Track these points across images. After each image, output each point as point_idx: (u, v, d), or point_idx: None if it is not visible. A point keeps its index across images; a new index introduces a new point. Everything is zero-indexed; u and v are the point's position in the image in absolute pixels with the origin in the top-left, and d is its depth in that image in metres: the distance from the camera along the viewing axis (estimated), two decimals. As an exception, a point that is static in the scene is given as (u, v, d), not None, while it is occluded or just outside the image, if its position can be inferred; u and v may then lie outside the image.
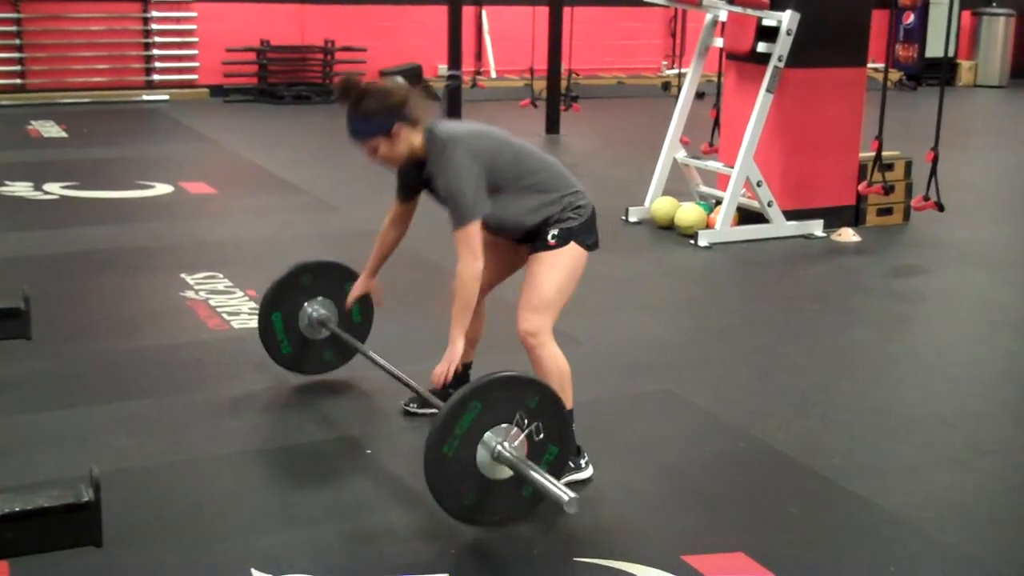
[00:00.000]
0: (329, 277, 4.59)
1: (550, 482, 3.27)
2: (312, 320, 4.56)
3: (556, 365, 3.79)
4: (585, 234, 3.83)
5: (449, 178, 3.64)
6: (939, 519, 3.65)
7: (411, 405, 4.35)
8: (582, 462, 3.85)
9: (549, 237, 3.78)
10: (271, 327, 4.54)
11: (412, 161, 3.79)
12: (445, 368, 3.66)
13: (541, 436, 3.42)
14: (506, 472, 3.38)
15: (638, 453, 4.10)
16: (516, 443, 3.37)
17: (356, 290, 4.30)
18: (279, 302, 4.54)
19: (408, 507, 3.67)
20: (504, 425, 3.36)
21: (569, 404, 3.71)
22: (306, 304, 4.56)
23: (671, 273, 6.71)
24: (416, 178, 3.88)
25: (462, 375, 4.21)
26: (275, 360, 4.62)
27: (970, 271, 6.83)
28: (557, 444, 3.47)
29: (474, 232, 3.62)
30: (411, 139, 3.72)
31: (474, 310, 4.06)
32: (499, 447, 3.35)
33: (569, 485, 3.48)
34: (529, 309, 3.77)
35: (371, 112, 3.67)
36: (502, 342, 4.24)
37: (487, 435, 3.35)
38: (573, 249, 3.80)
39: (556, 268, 3.78)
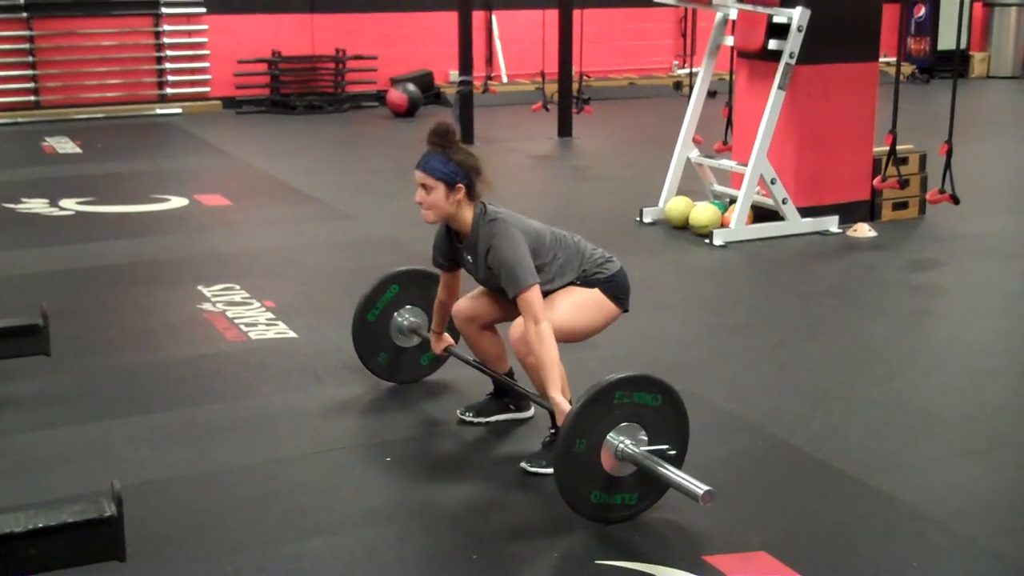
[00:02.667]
0: (416, 285, 4.65)
1: (678, 476, 3.40)
2: (403, 328, 4.63)
3: (548, 358, 3.83)
4: (608, 286, 4.00)
5: (505, 249, 3.81)
6: (961, 512, 3.64)
7: (467, 415, 4.36)
8: None
9: (575, 281, 3.99)
10: (367, 339, 4.62)
11: (449, 230, 4.02)
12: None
13: (662, 433, 3.54)
14: (630, 468, 3.48)
15: (658, 454, 4.09)
16: (640, 441, 3.49)
17: (436, 348, 4.47)
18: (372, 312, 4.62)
19: (427, 515, 3.68)
20: (625, 424, 3.47)
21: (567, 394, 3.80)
22: (395, 314, 4.63)
23: (687, 273, 6.70)
24: (448, 247, 4.09)
25: (512, 389, 4.27)
26: (371, 371, 4.68)
27: (987, 263, 6.80)
28: (657, 391, 3.55)
29: (534, 296, 3.76)
30: (462, 207, 3.89)
31: (484, 337, 4.14)
32: (622, 446, 3.45)
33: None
34: (522, 319, 3.85)
35: (452, 160, 3.86)
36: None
37: (611, 434, 3.45)
38: (596, 293, 3.99)
39: (573, 301, 3.97)
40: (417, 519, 3.64)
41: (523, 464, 3.93)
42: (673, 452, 3.54)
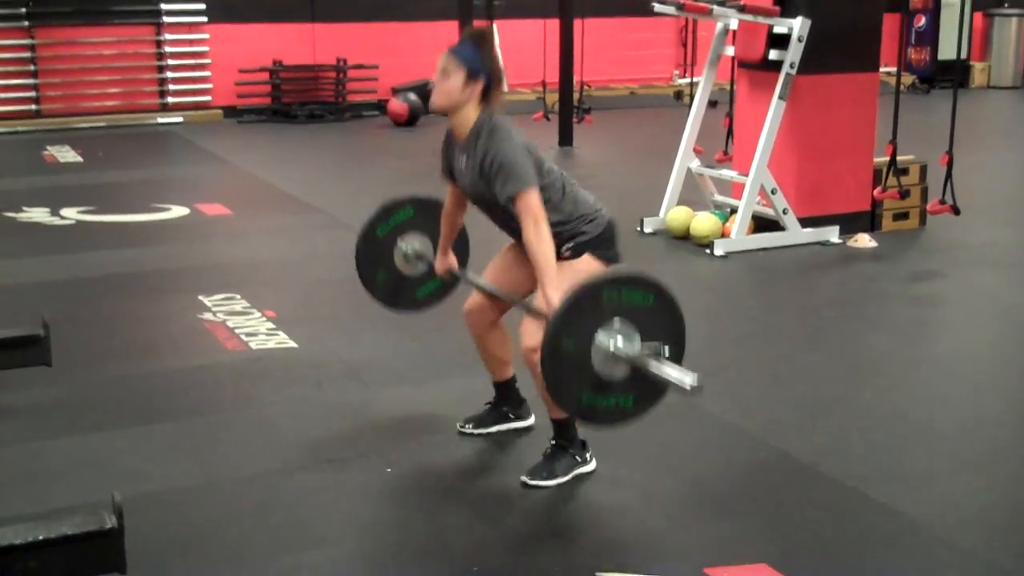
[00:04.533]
0: (432, 215, 4.48)
1: (668, 367, 3.32)
2: (407, 253, 4.49)
3: None
4: (601, 246, 3.87)
5: (505, 151, 3.71)
6: (960, 525, 3.64)
7: (467, 426, 4.34)
8: (587, 455, 3.94)
9: (563, 250, 3.82)
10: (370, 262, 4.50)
11: (451, 132, 3.91)
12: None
13: (655, 333, 3.44)
14: (623, 369, 3.40)
15: (658, 464, 4.09)
16: (625, 334, 3.39)
17: (439, 269, 4.31)
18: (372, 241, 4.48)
19: (428, 526, 3.67)
20: (616, 323, 3.38)
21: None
22: (401, 238, 4.48)
23: (687, 283, 6.69)
24: (450, 153, 3.97)
25: (512, 390, 4.27)
26: (383, 303, 4.57)
27: (988, 274, 6.80)
28: (647, 290, 3.48)
29: (533, 197, 3.67)
30: (472, 105, 3.81)
31: (493, 336, 4.11)
32: (614, 344, 3.36)
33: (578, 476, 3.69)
34: (537, 324, 3.75)
35: (482, 55, 3.80)
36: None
37: (598, 338, 3.36)
38: (586, 261, 3.83)
39: (566, 281, 3.78)
40: (417, 532, 3.64)
41: (523, 478, 3.91)
42: (666, 348, 3.44)
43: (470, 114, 3.82)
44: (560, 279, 3.64)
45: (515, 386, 4.31)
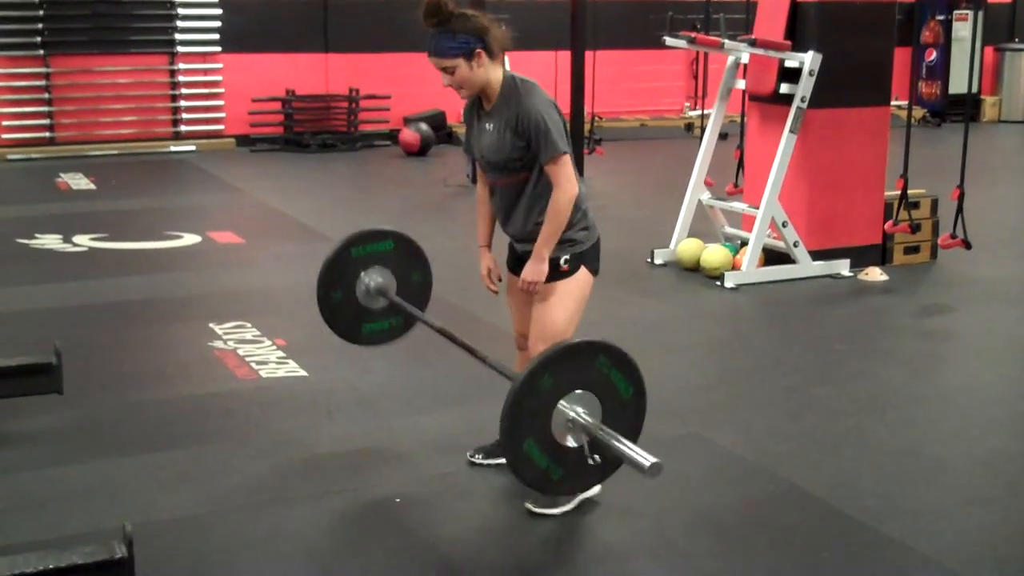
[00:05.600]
0: (408, 256, 4.54)
1: (628, 448, 3.25)
2: (369, 287, 4.49)
3: None
4: (592, 259, 3.97)
5: (540, 111, 3.72)
6: (972, 561, 3.62)
7: (476, 456, 4.33)
8: None
9: (562, 262, 3.89)
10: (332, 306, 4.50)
11: (473, 104, 3.89)
12: (534, 279, 3.79)
13: (615, 391, 3.38)
14: (582, 439, 3.33)
15: (667, 496, 4.08)
16: (591, 408, 3.33)
17: (483, 265, 4.16)
18: (336, 275, 4.48)
19: (436, 556, 3.66)
20: (579, 391, 3.32)
21: None
22: (363, 273, 4.49)
23: (698, 315, 6.70)
24: (478, 124, 3.92)
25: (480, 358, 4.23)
26: (329, 324, 4.56)
27: (1000, 309, 6.79)
28: (631, 384, 3.41)
29: (567, 160, 3.73)
30: (488, 70, 3.78)
31: (518, 365, 4.12)
32: (574, 414, 3.31)
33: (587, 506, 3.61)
34: (542, 340, 3.84)
35: (456, 31, 3.72)
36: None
37: (562, 403, 3.31)
38: (582, 276, 3.93)
39: (567, 299, 3.91)
40: (425, 562, 3.63)
41: (527, 504, 3.91)
42: (629, 395, 3.39)
43: (494, 78, 3.81)
44: (567, 300, 3.84)
45: None
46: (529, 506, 3.90)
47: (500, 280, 4.17)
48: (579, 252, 3.90)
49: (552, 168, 3.74)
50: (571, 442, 3.32)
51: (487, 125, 3.86)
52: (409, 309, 4.45)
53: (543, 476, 3.34)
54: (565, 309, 3.89)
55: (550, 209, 3.77)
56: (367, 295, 4.51)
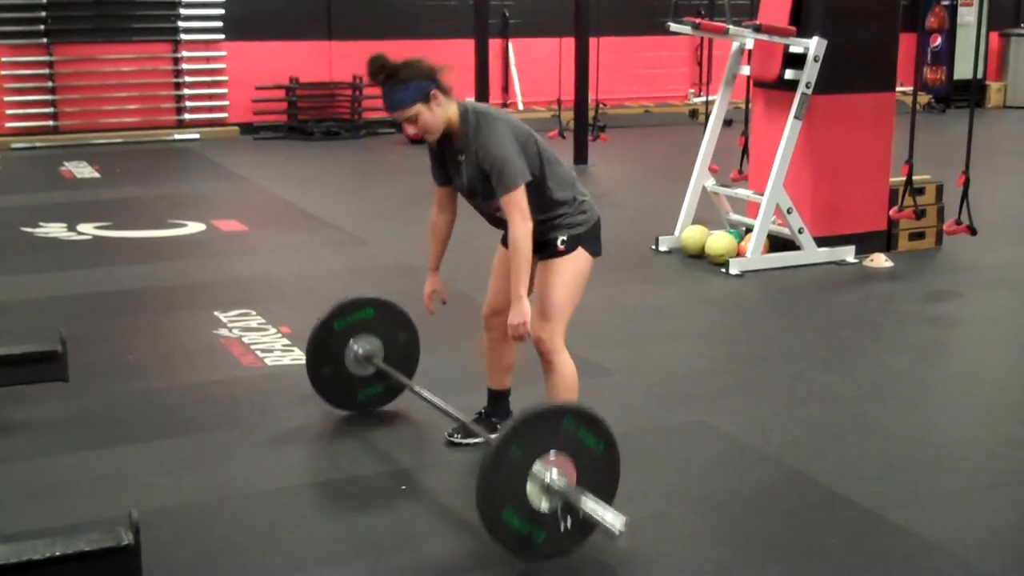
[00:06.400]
0: (389, 319, 4.64)
1: (600, 508, 3.30)
2: (358, 355, 4.60)
3: (569, 371, 3.98)
4: (591, 241, 4.00)
5: (493, 145, 3.77)
6: (977, 547, 3.62)
7: (455, 436, 4.37)
8: None
9: (559, 243, 3.95)
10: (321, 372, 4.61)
11: (443, 136, 3.91)
12: (518, 322, 3.78)
13: (585, 448, 3.43)
14: (556, 503, 3.37)
15: (672, 484, 4.08)
16: (563, 470, 3.37)
17: (428, 287, 4.29)
18: (326, 341, 4.59)
19: (445, 544, 3.67)
20: (551, 455, 3.36)
21: None
22: (354, 339, 4.60)
23: (702, 302, 6.69)
24: (444, 155, 4.00)
25: (505, 401, 4.29)
26: (323, 397, 4.66)
27: (1005, 295, 6.78)
28: (601, 438, 3.45)
29: (520, 196, 3.77)
30: (446, 108, 3.83)
31: (508, 346, 4.16)
32: (549, 479, 3.35)
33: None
34: (543, 318, 3.93)
35: (408, 79, 3.78)
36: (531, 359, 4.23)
37: (535, 468, 3.35)
38: (581, 255, 3.97)
39: (566, 275, 3.95)
40: (430, 550, 3.63)
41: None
42: (600, 450, 3.44)
43: (453, 114, 3.86)
44: (566, 276, 3.89)
45: (508, 399, 4.37)
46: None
47: (445, 303, 4.33)
48: (576, 234, 3.96)
49: (505, 203, 3.78)
50: (549, 506, 3.38)
51: (460, 158, 3.92)
52: (395, 376, 4.54)
53: (525, 542, 3.39)
54: (563, 285, 3.94)
55: (510, 247, 3.81)
56: (356, 363, 4.63)
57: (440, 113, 3.82)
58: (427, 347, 4.79)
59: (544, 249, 3.95)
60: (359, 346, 4.60)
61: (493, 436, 4.19)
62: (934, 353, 5.80)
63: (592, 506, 3.30)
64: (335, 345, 4.58)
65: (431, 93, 3.78)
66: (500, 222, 3.98)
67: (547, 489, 3.35)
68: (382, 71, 3.81)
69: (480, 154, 3.80)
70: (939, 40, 16.34)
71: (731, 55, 7.81)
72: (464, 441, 4.35)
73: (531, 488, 3.35)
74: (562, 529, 3.41)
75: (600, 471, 3.46)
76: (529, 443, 3.34)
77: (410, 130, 3.85)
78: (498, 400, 4.37)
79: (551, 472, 3.35)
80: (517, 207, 3.76)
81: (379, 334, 4.62)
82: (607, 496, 3.45)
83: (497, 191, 3.78)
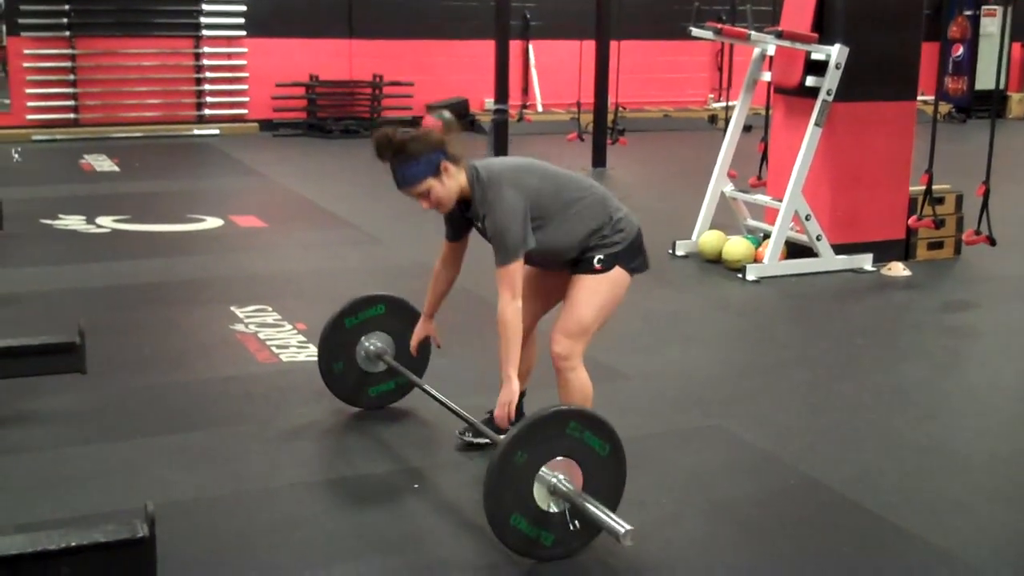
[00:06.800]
0: (400, 315, 4.64)
1: (605, 514, 3.30)
2: (369, 352, 4.62)
3: (582, 388, 3.91)
4: (629, 258, 3.91)
5: (496, 215, 3.70)
6: (993, 558, 3.60)
7: (466, 435, 4.35)
8: None
9: (595, 261, 3.86)
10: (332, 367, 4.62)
11: (458, 201, 3.84)
12: (504, 411, 3.73)
13: (591, 451, 3.44)
14: (562, 505, 3.39)
15: (687, 489, 4.07)
16: (570, 475, 3.39)
17: (417, 333, 4.32)
18: (337, 339, 4.60)
19: (456, 542, 3.67)
20: (560, 458, 3.38)
21: None
22: (366, 336, 4.61)
23: (719, 307, 6.68)
24: (461, 218, 3.94)
25: (518, 405, 4.27)
26: (334, 393, 4.67)
27: (1022, 306, 6.74)
28: (607, 442, 3.47)
29: (515, 271, 3.69)
30: (457, 177, 3.76)
31: (524, 340, 4.12)
32: (555, 481, 3.36)
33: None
34: (564, 333, 3.86)
35: (418, 153, 3.69)
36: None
37: (542, 471, 3.37)
38: (617, 274, 3.89)
39: (597, 293, 3.87)
40: (442, 549, 3.63)
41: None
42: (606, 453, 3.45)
43: (464, 182, 3.78)
44: (597, 296, 3.82)
45: (521, 401, 4.30)
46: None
47: (439, 347, 4.44)
48: (614, 252, 3.86)
49: (497, 275, 3.71)
50: (557, 507, 3.39)
51: (478, 224, 3.85)
52: (405, 373, 4.54)
53: (534, 544, 3.40)
54: (592, 306, 3.86)
55: (498, 324, 3.71)
56: (367, 360, 4.65)
57: (452, 185, 3.74)
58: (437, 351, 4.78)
59: (580, 265, 3.87)
60: (370, 343, 4.62)
61: (501, 437, 4.24)
62: (951, 363, 5.77)
63: (596, 513, 3.30)
64: (347, 341, 4.60)
65: (441, 165, 3.70)
66: (546, 260, 3.91)
67: (554, 492, 3.37)
68: (390, 147, 3.70)
69: (487, 221, 3.75)
70: (961, 50, 16.30)
71: (752, 61, 7.80)
72: (475, 440, 4.33)
73: (538, 492, 3.37)
74: (571, 529, 3.41)
75: (606, 474, 3.46)
76: (534, 448, 3.35)
77: (424, 204, 3.78)
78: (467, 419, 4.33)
79: (557, 476, 3.36)
80: (507, 283, 3.67)
81: (390, 331, 4.63)
82: (614, 498, 3.46)
83: (495, 259, 3.72)
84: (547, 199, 3.78)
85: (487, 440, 4.24)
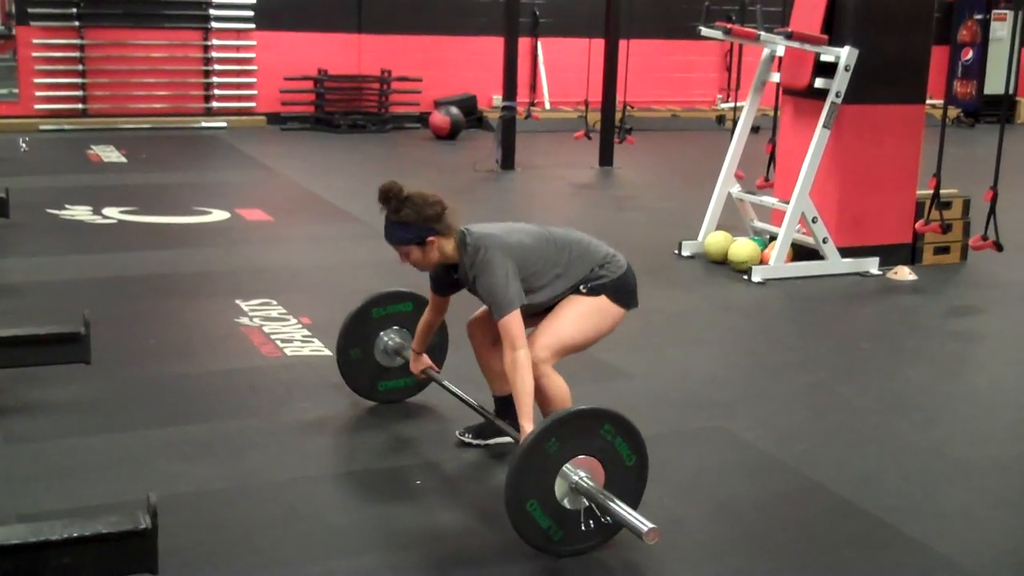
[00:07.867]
0: (418, 311, 4.63)
1: (628, 512, 3.32)
2: (388, 346, 4.64)
3: (559, 393, 3.96)
4: (616, 291, 4.00)
5: (487, 277, 3.84)
6: (995, 564, 3.60)
7: (466, 436, 4.36)
8: None
9: (581, 287, 3.99)
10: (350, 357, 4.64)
11: (443, 264, 4.00)
12: None
13: (618, 457, 3.47)
14: (579, 504, 3.42)
15: (690, 490, 4.07)
16: (593, 475, 3.41)
17: (417, 367, 4.45)
18: (355, 332, 4.62)
19: (454, 539, 3.67)
20: (582, 456, 3.41)
21: None
22: (382, 333, 4.64)
23: (724, 308, 6.68)
24: (448, 278, 4.10)
25: (511, 409, 4.25)
26: (344, 379, 4.68)
27: (1028, 312, 6.74)
28: (635, 452, 3.51)
29: (513, 322, 3.79)
30: (443, 247, 3.91)
31: (494, 352, 4.24)
32: (578, 478, 3.39)
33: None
34: (537, 341, 3.92)
35: (408, 221, 3.86)
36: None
37: (566, 467, 3.39)
38: (604, 302, 3.99)
39: (582, 316, 3.98)
40: (444, 544, 3.63)
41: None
42: (632, 462, 3.50)
43: (448, 250, 3.91)
44: (576, 313, 3.93)
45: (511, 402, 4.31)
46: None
47: (439, 371, 4.56)
48: (600, 284, 3.98)
49: (500, 327, 3.80)
50: (573, 505, 3.42)
51: (470, 285, 3.98)
52: (428, 372, 4.56)
53: (544, 536, 3.42)
54: (573, 323, 3.95)
55: (509, 378, 3.79)
56: (384, 354, 4.67)
57: (433, 255, 3.90)
58: (454, 343, 4.79)
59: (569, 292, 4.00)
60: (389, 337, 4.64)
61: (500, 440, 4.32)
62: (956, 368, 5.77)
63: (618, 511, 3.32)
64: (369, 331, 4.62)
65: (428, 239, 3.85)
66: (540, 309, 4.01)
67: (575, 489, 3.38)
68: (388, 201, 3.89)
69: (478, 282, 3.87)
70: (970, 54, 16.25)
71: (761, 62, 7.79)
72: (475, 442, 4.34)
73: (559, 485, 3.39)
74: (582, 529, 3.43)
75: (627, 483, 3.49)
76: (567, 440, 3.38)
77: (401, 261, 3.95)
78: (505, 404, 4.30)
79: (581, 472, 3.38)
80: (509, 334, 3.76)
81: (412, 330, 4.63)
82: (630, 507, 3.45)
83: (494, 315, 3.81)
84: (533, 260, 3.91)
85: (487, 442, 4.31)
